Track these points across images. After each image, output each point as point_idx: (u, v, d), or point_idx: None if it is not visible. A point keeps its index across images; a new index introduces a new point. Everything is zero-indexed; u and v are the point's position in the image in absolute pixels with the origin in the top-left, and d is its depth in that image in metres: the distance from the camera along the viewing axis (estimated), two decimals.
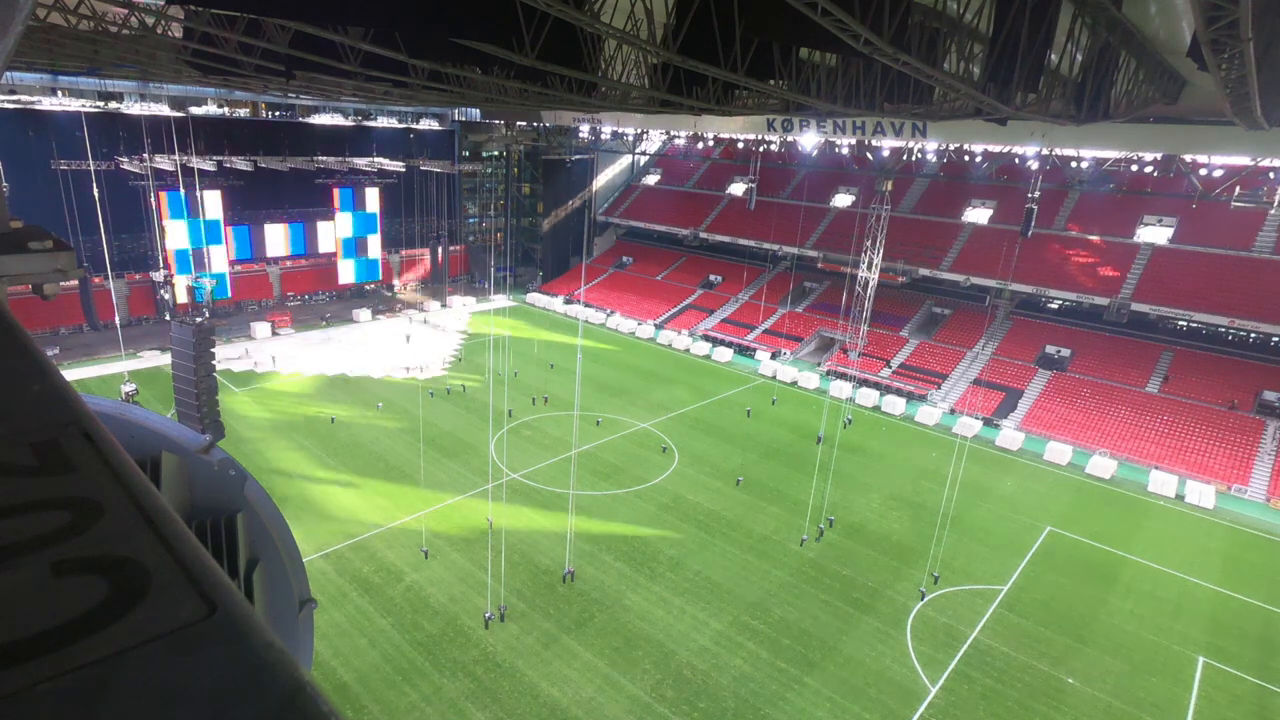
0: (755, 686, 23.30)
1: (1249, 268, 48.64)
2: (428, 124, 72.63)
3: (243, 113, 61.50)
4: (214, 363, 29.75)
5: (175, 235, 57.08)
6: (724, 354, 58.72)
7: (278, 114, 63.47)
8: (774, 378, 54.20)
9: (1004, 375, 51.45)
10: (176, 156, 51.62)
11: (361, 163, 65.36)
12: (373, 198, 69.51)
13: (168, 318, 51.32)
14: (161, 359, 45.89)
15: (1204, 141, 40.80)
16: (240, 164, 56.38)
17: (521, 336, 59.17)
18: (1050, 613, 28.02)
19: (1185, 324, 49.47)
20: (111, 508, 0.90)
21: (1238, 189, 50.34)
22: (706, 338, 62.78)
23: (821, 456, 39.76)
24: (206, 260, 58.70)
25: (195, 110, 57.18)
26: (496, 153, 77.57)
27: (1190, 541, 34.42)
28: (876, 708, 22.81)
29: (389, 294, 70.02)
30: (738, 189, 74.05)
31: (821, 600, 27.97)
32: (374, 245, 70.78)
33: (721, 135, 69.20)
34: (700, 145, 79.57)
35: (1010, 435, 44.41)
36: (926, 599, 28.18)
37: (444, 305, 68.40)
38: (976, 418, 46.96)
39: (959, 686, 23.91)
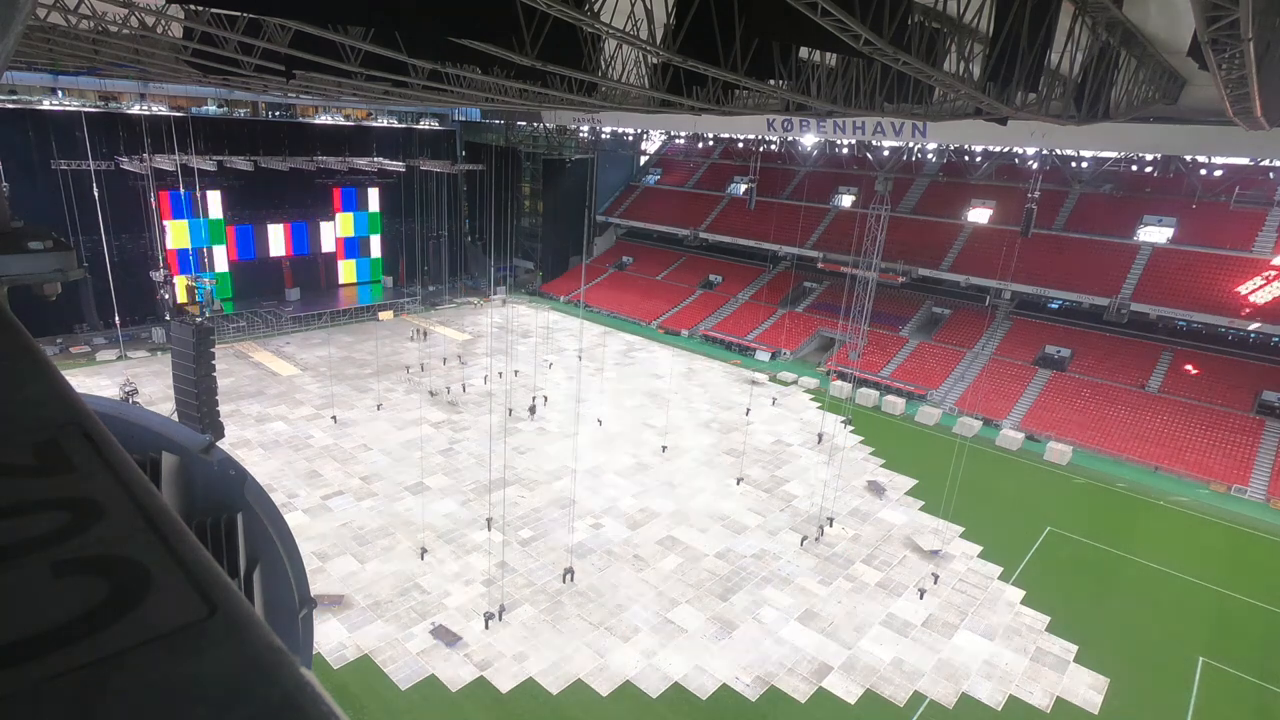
0: None
1: (1249, 268, 48.62)
2: (428, 124, 72.60)
3: (242, 113, 61.48)
4: (213, 362, 29.79)
5: (175, 235, 57.13)
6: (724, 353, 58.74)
7: (278, 114, 63.45)
8: (774, 378, 54.19)
9: (1004, 375, 51.45)
10: (176, 156, 51.56)
11: (361, 163, 65.32)
12: (373, 197, 69.59)
13: (168, 318, 51.28)
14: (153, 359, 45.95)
15: (1204, 141, 40.80)
16: (240, 164, 56.35)
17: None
18: (1050, 612, 27.99)
19: (1185, 324, 49.44)
20: (111, 508, 0.90)
21: (1237, 189, 50.38)
22: (706, 337, 62.84)
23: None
24: (207, 260, 58.76)
25: (195, 110, 57.19)
26: (496, 153, 77.46)
27: (1190, 541, 34.43)
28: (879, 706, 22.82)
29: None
30: (738, 189, 74.02)
31: None
32: (375, 245, 70.94)
33: (721, 135, 69.24)
34: (700, 145, 79.59)
35: (1010, 435, 44.42)
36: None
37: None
38: (976, 418, 46.96)
39: None
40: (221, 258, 60.61)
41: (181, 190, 53.87)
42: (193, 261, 57.58)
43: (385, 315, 64.43)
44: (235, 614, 0.77)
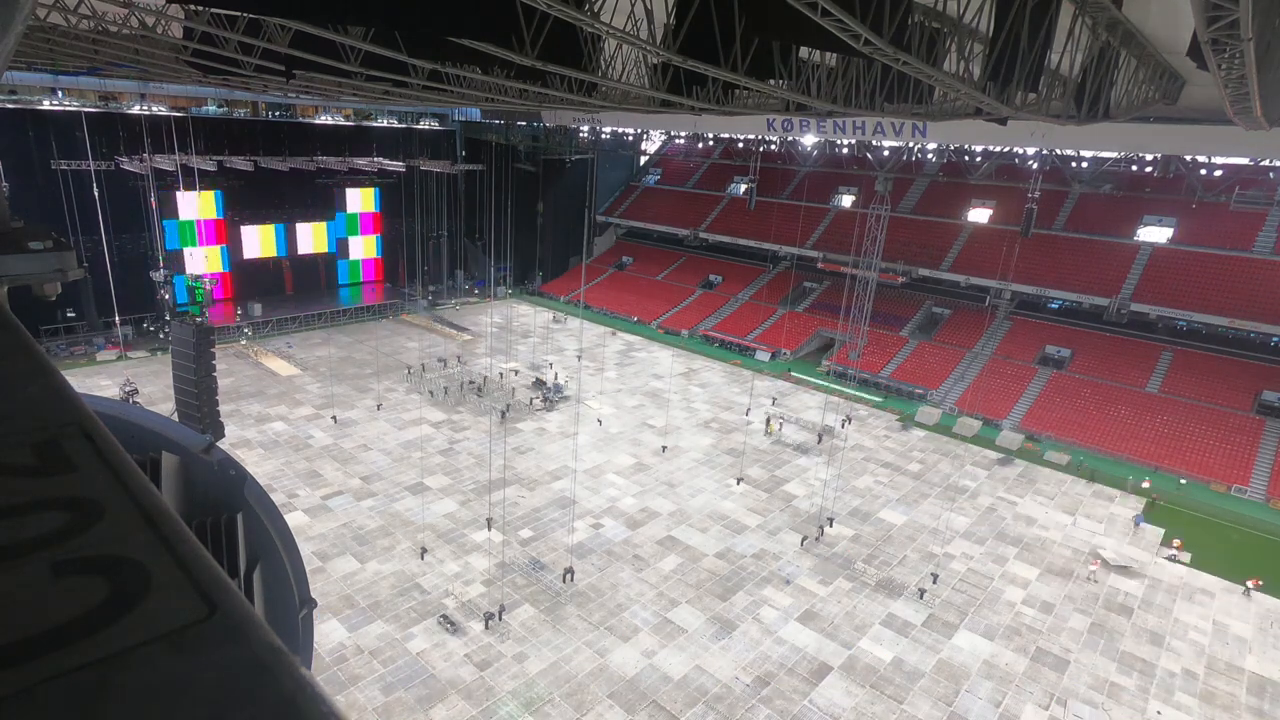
0: None
1: (1249, 268, 48.62)
2: (428, 124, 72.59)
3: (242, 113, 61.47)
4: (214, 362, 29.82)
5: (175, 235, 57.13)
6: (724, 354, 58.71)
7: (278, 114, 63.45)
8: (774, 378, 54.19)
9: (1004, 375, 51.44)
10: (176, 156, 51.56)
11: (361, 163, 65.32)
12: (373, 197, 69.60)
13: (167, 317, 51.29)
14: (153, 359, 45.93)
15: (1204, 141, 40.81)
16: (240, 164, 56.35)
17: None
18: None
19: (1185, 324, 49.44)
20: (111, 508, 0.90)
21: (1237, 189, 50.39)
22: (706, 337, 62.84)
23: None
24: (207, 260, 58.78)
25: (195, 110, 57.19)
26: (496, 152, 77.46)
27: (1190, 541, 34.39)
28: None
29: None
30: (738, 189, 74.03)
31: None
32: (375, 245, 70.96)
33: (721, 135, 69.23)
34: (700, 145, 79.59)
35: (1010, 435, 44.39)
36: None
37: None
38: (976, 418, 46.94)
39: None
40: (221, 258, 60.60)
41: (181, 190, 53.88)
42: (191, 261, 57.61)
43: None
44: (235, 614, 0.77)
